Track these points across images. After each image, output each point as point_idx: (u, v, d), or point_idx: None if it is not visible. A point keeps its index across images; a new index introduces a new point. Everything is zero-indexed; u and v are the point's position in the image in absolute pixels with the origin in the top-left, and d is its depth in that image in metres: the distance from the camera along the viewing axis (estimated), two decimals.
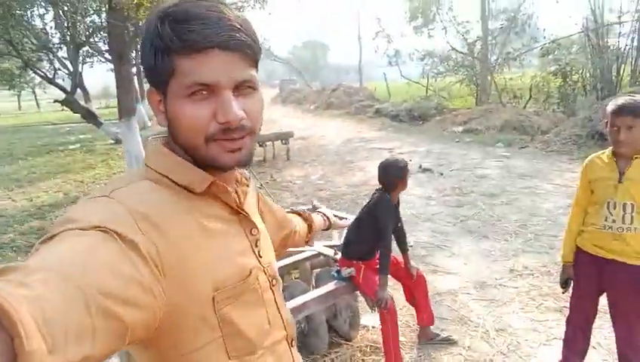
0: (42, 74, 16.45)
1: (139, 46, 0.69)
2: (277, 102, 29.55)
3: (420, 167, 7.93)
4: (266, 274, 0.82)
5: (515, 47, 15.95)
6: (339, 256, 2.89)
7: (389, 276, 2.90)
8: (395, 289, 3.22)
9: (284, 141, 9.67)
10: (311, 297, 2.54)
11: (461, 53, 17.25)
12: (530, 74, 14.61)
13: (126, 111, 9.19)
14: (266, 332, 0.80)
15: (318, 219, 1.41)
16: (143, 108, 22.03)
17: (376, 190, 2.76)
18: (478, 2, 16.57)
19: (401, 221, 2.83)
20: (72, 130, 19.43)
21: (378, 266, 2.55)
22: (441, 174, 7.44)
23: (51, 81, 16.01)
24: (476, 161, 8.31)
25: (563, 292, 2.37)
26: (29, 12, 14.43)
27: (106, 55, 15.59)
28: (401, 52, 20.87)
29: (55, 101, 13.52)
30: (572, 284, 2.27)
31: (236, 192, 0.82)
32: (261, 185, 6.38)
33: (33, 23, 14.76)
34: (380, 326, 2.62)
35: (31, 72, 16.13)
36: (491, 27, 16.57)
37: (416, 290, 2.85)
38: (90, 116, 13.20)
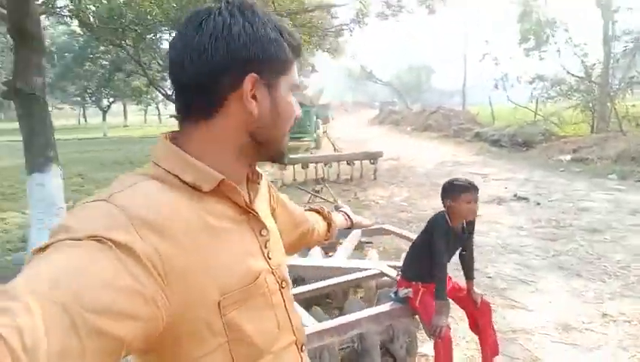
0: (164, 92, 18.30)
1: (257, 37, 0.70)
2: (374, 123, 29.63)
3: (515, 195, 7.40)
4: (275, 276, 0.80)
5: None
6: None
7: (453, 303, 2.74)
8: (462, 320, 3.02)
9: (372, 161, 9.65)
10: (363, 315, 2.48)
11: (577, 77, 15.89)
12: None
13: None
14: (275, 336, 0.78)
15: (339, 218, 1.38)
16: None
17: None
18: (598, 23, 15.26)
19: (471, 248, 2.62)
20: None
21: (435, 288, 2.41)
22: (538, 204, 6.87)
23: (170, 98, 17.75)
24: (581, 192, 7.55)
25: None
26: (158, 35, 16.14)
27: None
28: (508, 75, 19.78)
29: (171, 116, 14.98)
30: None
31: (247, 190, 0.82)
32: (334, 199, 6.39)
33: (161, 45, 16.53)
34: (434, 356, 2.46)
35: (155, 89, 18.09)
36: (614, 50, 15.07)
37: (480, 318, 2.63)
38: None
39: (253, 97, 0.72)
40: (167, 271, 0.60)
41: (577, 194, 7.38)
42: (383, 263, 3.30)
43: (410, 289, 2.56)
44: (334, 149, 12.33)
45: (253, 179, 0.85)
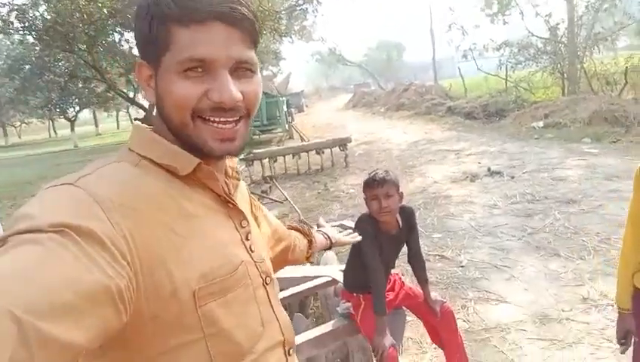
0: (125, 95, 17.56)
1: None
2: (348, 108, 29.20)
3: (489, 170, 7.11)
4: (258, 269, 0.75)
5: (606, 27, 14.11)
6: None
7: (408, 310, 2.40)
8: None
9: (341, 147, 9.28)
10: (302, 340, 2.11)
11: (542, 38, 15.64)
12: (625, 56, 12.81)
13: None
14: (259, 335, 0.72)
15: (319, 237, 1.33)
16: None
17: None
18: None
19: (416, 246, 2.26)
20: None
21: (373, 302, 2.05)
22: (512, 178, 6.58)
23: (133, 101, 17.07)
24: (555, 160, 7.28)
25: (622, 352, 1.70)
26: (112, 37, 15.26)
27: None
28: (477, 44, 19.50)
29: (136, 119, 14.35)
30: (634, 340, 1.62)
31: (226, 183, 0.76)
32: (285, 198, 5.98)
33: (121, 47, 15.70)
34: None
35: (116, 94, 17.28)
36: (577, 7, 14.82)
37: (442, 330, 2.28)
38: None
39: (148, 84, 0.69)
40: (137, 258, 0.57)
41: (552, 163, 7.10)
42: (335, 268, 2.94)
43: (350, 304, 2.21)
44: (301, 139, 11.91)
45: (231, 175, 0.81)
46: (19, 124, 46.35)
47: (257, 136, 16.78)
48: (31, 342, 0.43)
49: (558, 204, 5.15)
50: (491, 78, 18.17)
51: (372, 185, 2.00)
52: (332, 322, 2.25)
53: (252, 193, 3.89)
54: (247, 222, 0.77)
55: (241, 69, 0.67)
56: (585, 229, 4.34)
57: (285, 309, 2.79)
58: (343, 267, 2.92)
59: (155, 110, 0.72)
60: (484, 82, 19.09)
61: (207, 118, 0.66)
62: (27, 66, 29.66)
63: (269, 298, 0.77)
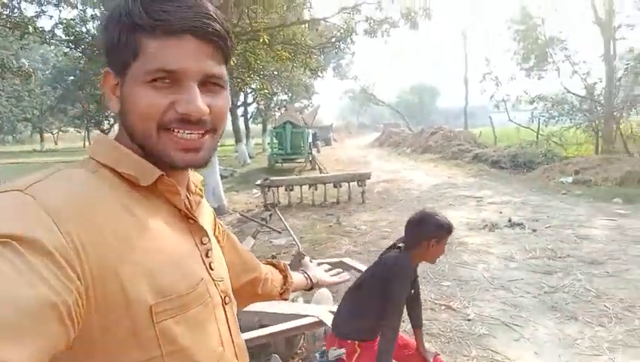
0: None
1: None
2: (375, 146, 29.15)
3: (510, 220, 6.78)
4: (217, 288, 0.72)
5: None
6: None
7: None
8: None
9: (360, 183, 9.09)
10: None
11: (578, 96, 15.37)
12: None
13: None
14: (219, 355, 0.69)
15: (297, 276, 1.28)
16: (246, 148, 23.09)
17: (391, 248, 2.08)
18: (600, 42, 14.77)
19: (418, 289, 2.10)
20: None
21: (377, 351, 1.83)
22: (534, 231, 6.23)
23: None
24: (582, 218, 6.89)
25: None
26: None
27: None
28: (510, 95, 19.40)
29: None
30: None
31: (187, 198, 0.74)
32: (285, 226, 5.73)
33: None
34: None
35: None
36: (616, 68, 14.54)
37: None
38: None
39: (113, 93, 0.67)
40: (88, 268, 0.53)
41: (578, 220, 6.73)
42: (324, 308, 2.72)
43: (343, 350, 1.99)
44: (320, 171, 11.80)
45: (194, 191, 0.78)
46: (56, 131, 48.25)
47: (280, 164, 16.81)
48: None
49: (581, 264, 4.80)
50: (522, 130, 17.90)
51: (451, 231, 1.91)
52: None
53: (252, 219, 3.74)
54: (209, 239, 0.74)
55: (210, 83, 0.67)
56: (608, 293, 3.98)
57: (270, 347, 2.57)
58: (333, 307, 2.70)
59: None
60: (514, 133, 18.81)
61: (172, 129, 0.65)
62: (70, 78, 31.08)
63: (227, 318, 0.74)
